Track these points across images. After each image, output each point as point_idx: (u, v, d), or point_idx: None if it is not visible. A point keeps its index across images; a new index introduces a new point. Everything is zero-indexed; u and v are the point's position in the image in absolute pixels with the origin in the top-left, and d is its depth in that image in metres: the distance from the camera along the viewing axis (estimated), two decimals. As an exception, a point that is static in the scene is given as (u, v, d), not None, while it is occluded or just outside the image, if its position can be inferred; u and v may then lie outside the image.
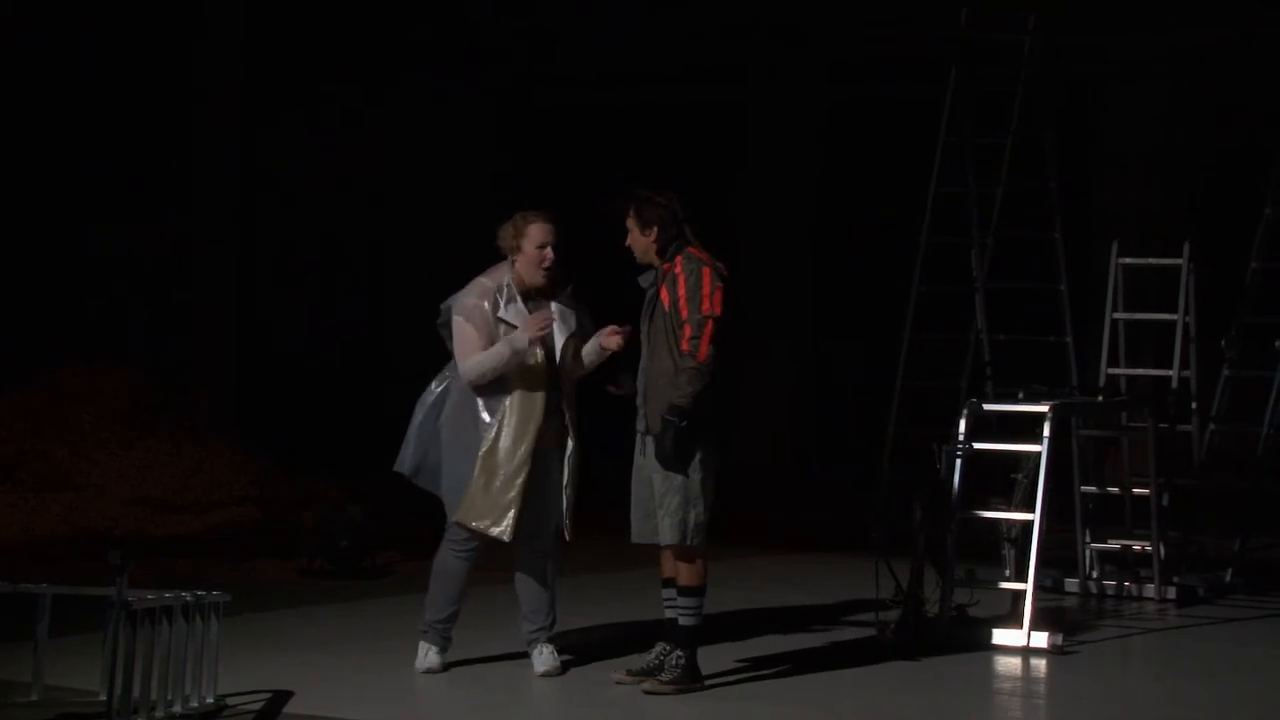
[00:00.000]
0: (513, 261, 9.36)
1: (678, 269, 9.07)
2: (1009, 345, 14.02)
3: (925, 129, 14.93)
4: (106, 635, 8.22)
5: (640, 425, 9.15)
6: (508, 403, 9.26)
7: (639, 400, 9.14)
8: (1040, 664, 10.19)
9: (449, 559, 9.42)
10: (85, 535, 13.23)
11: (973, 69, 14.25)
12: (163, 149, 20.10)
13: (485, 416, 9.27)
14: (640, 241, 9.14)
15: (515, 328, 9.22)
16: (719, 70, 20.24)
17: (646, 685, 9.06)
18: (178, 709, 8.34)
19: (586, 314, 9.50)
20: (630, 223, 9.16)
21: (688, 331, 8.96)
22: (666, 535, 9.02)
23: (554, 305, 9.35)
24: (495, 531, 9.23)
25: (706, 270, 9.05)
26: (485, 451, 9.25)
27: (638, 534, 9.24)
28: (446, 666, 9.45)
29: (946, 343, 14.32)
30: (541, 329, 9.19)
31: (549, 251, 9.29)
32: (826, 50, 19.65)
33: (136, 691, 8.02)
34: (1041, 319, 13.93)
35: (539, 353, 9.26)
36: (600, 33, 20.15)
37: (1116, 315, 12.78)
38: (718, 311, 8.99)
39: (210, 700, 8.57)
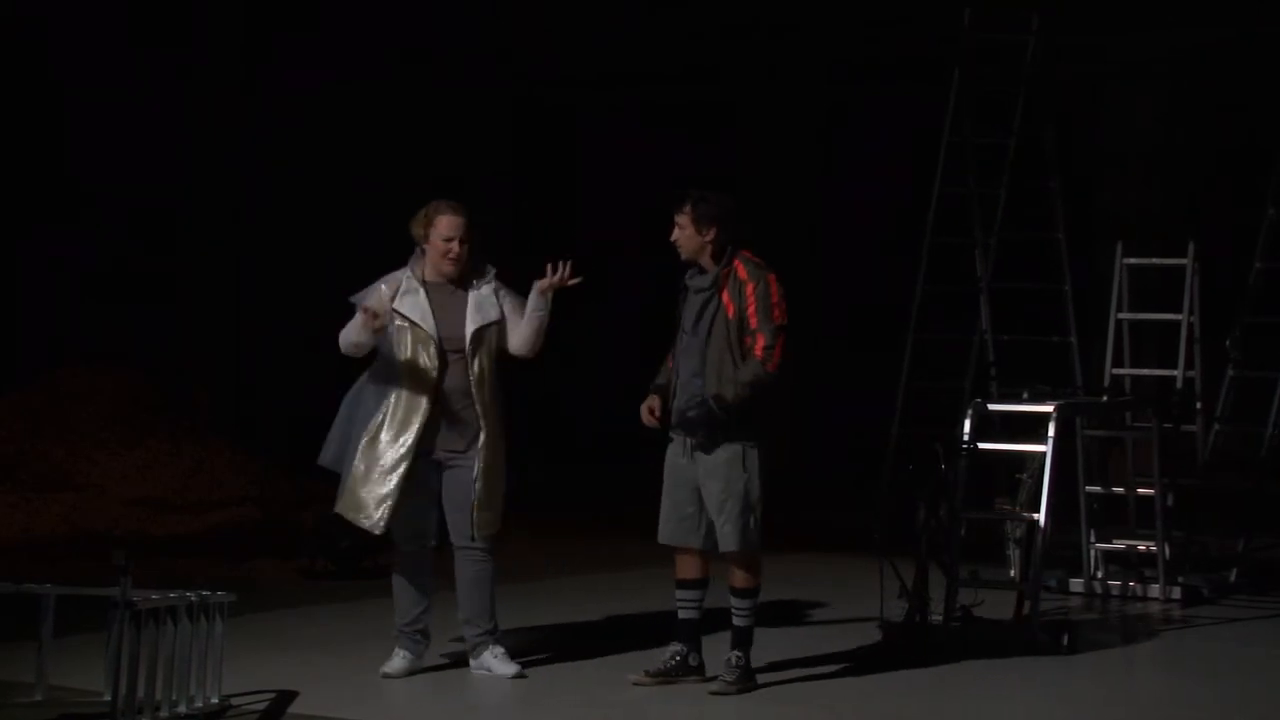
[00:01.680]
0: (422, 250, 9.33)
1: (742, 274, 9.09)
2: (1013, 345, 14.02)
3: (925, 129, 14.93)
4: (110, 635, 8.20)
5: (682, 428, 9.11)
6: (394, 396, 9.21)
7: (677, 403, 9.10)
8: (1045, 664, 10.16)
9: (399, 560, 9.43)
10: (86, 535, 13.21)
11: (975, 69, 14.24)
12: (163, 148, 20.06)
13: (373, 407, 9.25)
14: (694, 240, 9.12)
15: (410, 321, 9.18)
16: (719, 70, 20.20)
17: (714, 687, 9.10)
18: (182, 709, 8.33)
19: (513, 300, 9.35)
20: (684, 219, 9.12)
21: (761, 340, 9.01)
22: (730, 542, 9.04)
23: (471, 296, 9.27)
24: (366, 524, 9.22)
25: (773, 277, 9.10)
26: (366, 443, 9.22)
27: (669, 536, 9.24)
28: (413, 672, 9.40)
29: (950, 343, 14.31)
30: (369, 322, 9.09)
31: (454, 245, 9.24)
32: (826, 50, 19.62)
33: (141, 692, 8.01)
34: (1045, 319, 13.93)
35: (430, 347, 9.17)
36: (600, 33, 20.12)
37: (1121, 315, 12.77)
38: (786, 321, 9.05)
39: (214, 700, 8.56)
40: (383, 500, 9.19)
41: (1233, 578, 12.46)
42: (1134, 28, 18.10)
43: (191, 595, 8.45)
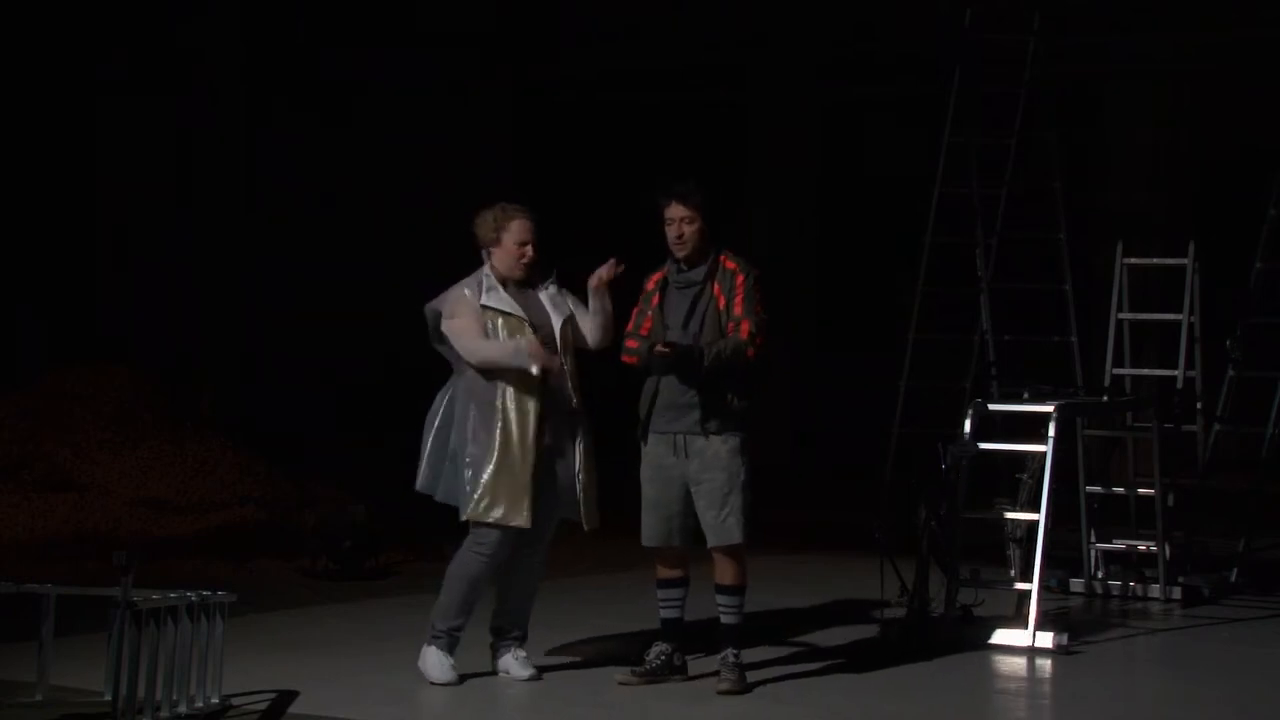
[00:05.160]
0: (489, 253, 9.35)
1: (730, 265, 9.11)
2: (1013, 345, 14.03)
3: (927, 129, 14.95)
4: (111, 635, 8.20)
5: (672, 426, 9.11)
6: (505, 395, 9.17)
7: (663, 400, 9.11)
8: (1045, 664, 10.18)
9: (471, 562, 9.28)
10: (88, 536, 13.20)
11: (976, 69, 14.26)
12: (164, 147, 20.08)
13: (489, 413, 9.18)
14: (702, 234, 9.12)
15: (501, 312, 9.20)
16: (719, 70, 20.22)
17: (723, 686, 9.08)
18: (183, 709, 8.33)
19: (574, 298, 9.43)
20: (693, 213, 9.09)
21: (747, 326, 8.99)
22: (733, 534, 9.05)
23: (542, 295, 9.31)
24: (515, 521, 9.12)
25: (758, 273, 9.10)
26: (497, 445, 9.15)
27: (655, 537, 9.24)
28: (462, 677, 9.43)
29: (951, 343, 14.32)
30: (545, 362, 9.12)
31: (529, 249, 9.29)
32: (826, 50, 19.64)
33: (141, 692, 8.01)
34: (1045, 319, 13.94)
35: (528, 331, 9.18)
36: (601, 32, 20.13)
37: (1122, 315, 12.78)
38: (767, 317, 9.05)
39: (215, 700, 8.56)
40: (522, 495, 9.13)
41: (1233, 578, 12.46)
42: (1135, 28, 18.12)
43: (192, 595, 8.45)
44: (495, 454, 9.15)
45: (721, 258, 9.14)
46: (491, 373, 9.21)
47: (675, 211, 9.14)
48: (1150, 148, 18.34)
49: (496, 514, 9.15)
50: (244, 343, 20.61)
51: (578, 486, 9.27)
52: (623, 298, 9.37)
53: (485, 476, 9.15)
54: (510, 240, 9.30)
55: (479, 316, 9.24)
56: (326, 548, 12.78)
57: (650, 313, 9.22)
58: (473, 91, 20.82)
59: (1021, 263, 14.30)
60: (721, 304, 9.06)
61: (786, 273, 19.78)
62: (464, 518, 9.25)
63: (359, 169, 20.41)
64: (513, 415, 9.17)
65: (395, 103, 20.62)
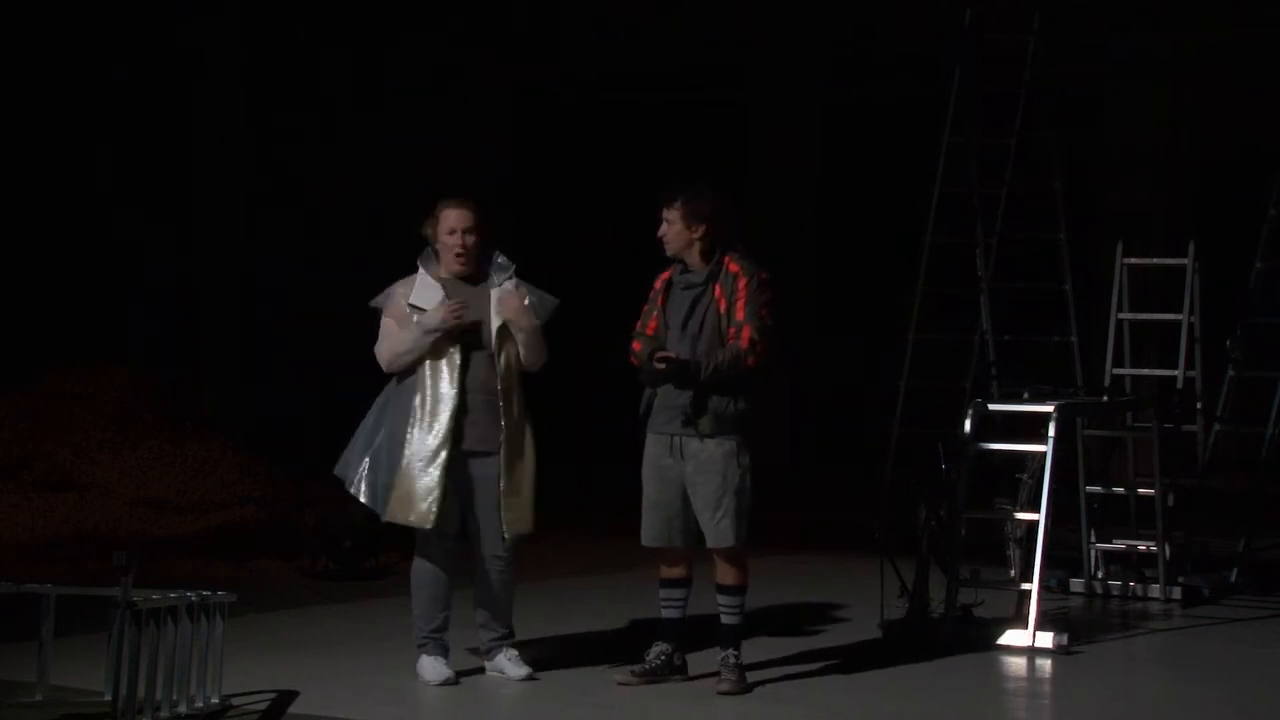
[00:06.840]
0: (434, 250, 9.30)
1: (733, 268, 9.08)
2: (1014, 345, 14.04)
3: (927, 129, 14.95)
4: (111, 635, 8.20)
5: (668, 427, 9.11)
6: (420, 396, 9.10)
7: (660, 400, 9.11)
8: (1045, 664, 10.18)
9: (418, 564, 9.28)
10: (88, 536, 13.20)
11: (976, 69, 14.26)
12: (166, 147, 20.07)
13: (406, 413, 9.12)
14: (682, 236, 9.14)
15: (424, 311, 9.12)
16: (719, 70, 20.22)
17: (723, 687, 9.10)
18: (182, 709, 8.33)
19: (536, 295, 9.33)
20: (673, 214, 9.13)
21: (748, 332, 8.98)
22: (726, 537, 9.06)
23: (494, 292, 9.24)
24: (414, 520, 9.07)
25: (766, 276, 9.08)
26: (406, 445, 9.08)
27: (655, 538, 9.24)
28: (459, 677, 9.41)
29: (951, 343, 14.33)
30: (454, 314, 9.05)
31: (459, 237, 9.20)
32: (826, 50, 19.64)
33: (141, 692, 8.01)
34: (1045, 319, 13.95)
35: (451, 347, 9.10)
36: (601, 32, 20.13)
37: (1122, 315, 12.78)
38: (772, 323, 9.02)
39: (215, 700, 8.56)
40: (427, 494, 9.05)
41: (1233, 578, 12.46)
42: (1135, 28, 18.12)
43: (191, 595, 8.46)
44: (404, 455, 9.09)
45: (726, 259, 9.13)
46: (410, 373, 9.14)
47: (664, 213, 9.20)
48: (1150, 148, 18.33)
49: (402, 515, 9.11)
50: (244, 343, 20.59)
51: (499, 489, 9.16)
52: (637, 295, 9.39)
53: (395, 477, 9.10)
54: (441, 230, 9.25)
55: (404, 317, 9.15)
56: (326, 548, 12.79)
57: (656, 312, 9.25)
58: (473, 91, 20.81)
59: (1021, 263, 14.31)
60: (722, 307, 9.05)
61: (786, 273, 19.76)
62: (383, 521, 9.25)
63: (359, 169, 20.39)
64: (426, 416, 9.09)
65: (395, 103, 20.61)
